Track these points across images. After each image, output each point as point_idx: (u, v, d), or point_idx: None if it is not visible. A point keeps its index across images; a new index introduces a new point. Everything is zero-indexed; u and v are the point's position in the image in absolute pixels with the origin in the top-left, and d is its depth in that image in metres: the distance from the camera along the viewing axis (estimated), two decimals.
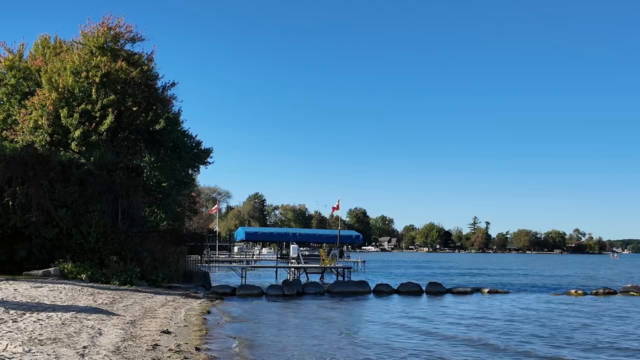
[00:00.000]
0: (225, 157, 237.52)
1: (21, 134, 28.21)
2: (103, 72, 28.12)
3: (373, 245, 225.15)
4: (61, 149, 28.48)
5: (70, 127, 27.43)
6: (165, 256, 27.09)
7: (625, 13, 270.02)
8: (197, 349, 12.61)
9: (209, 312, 19.96)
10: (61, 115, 27.33)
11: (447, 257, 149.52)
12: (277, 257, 44.78)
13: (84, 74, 28.04)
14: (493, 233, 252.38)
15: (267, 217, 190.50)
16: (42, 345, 10.61)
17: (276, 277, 40.49)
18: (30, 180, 25.19)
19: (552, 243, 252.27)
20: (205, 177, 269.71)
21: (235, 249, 66.92)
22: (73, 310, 15.14)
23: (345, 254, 57.18)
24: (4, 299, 16.07)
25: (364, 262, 63.89)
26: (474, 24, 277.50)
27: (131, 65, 29.53)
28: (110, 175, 26.67)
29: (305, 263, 39.62)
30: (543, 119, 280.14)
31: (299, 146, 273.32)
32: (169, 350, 11.88)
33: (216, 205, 65.37)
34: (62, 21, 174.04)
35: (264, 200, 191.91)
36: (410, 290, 31.69)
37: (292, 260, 41.10)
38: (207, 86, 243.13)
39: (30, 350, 10.05)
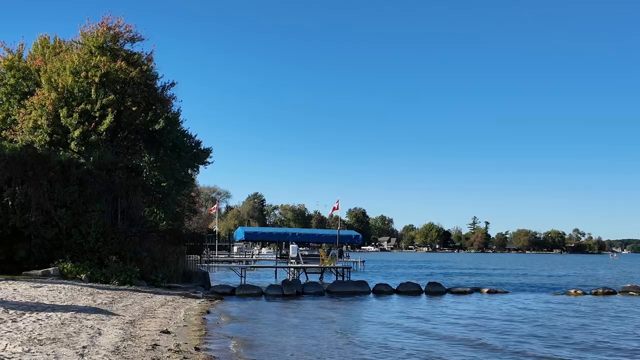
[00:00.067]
0: (225, 157, 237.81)
1: (20, 133, 28.20)
2: (102, 72, 28.12)
3: (372, 245, 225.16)
4: (60, 148, 28.47)
5: (69, 127, 27.43)
6: (165, 256, 27.09)
7: (625, 13, 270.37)
8: (197, 349, 12.62)
9: (208, 312, 19.97)
10: (60, 115, 27.33)
11: (446, 257, 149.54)
12: (277, 257, 44.79)
13: (83, 74, 28.04)
14: (492, 233, 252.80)
15: (267, 217, 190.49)
16: (41, 345, 10.62)
17: (275, 277, 40.51)
18: (30, 180, 25.19)
19: (552, 243, 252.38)
20: (204, 177, 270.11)
21: (235, 248, 66.88)
22: (72, 310, 15.14)
23: (344, 254, 57.11)
24: (4, 299, 16.08)
25: (363, 262, 63.92)
26: (474, 24, 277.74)
27: (131, 65, 29.52)
28: (109, 175, 26.67)
29: (304, 263, 39.65)
30: (543, 119, 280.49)
31: (298, 146, 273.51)
32: (169, 350, 11.89)
33: (215, 205, 65.32)
34: (61, 21, 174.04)
35: (264, 200, 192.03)
36: (409, 290, 31.70)
37: (292, 260, 41.12)
38: (206, 86, 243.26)
39: (29, 350, 10.06)
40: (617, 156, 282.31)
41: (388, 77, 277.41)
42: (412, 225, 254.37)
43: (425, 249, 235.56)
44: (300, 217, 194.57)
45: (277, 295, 28.09)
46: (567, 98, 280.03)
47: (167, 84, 32.50)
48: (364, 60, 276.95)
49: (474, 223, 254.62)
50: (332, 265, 36.10)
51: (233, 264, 41.51)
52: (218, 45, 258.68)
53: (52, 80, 27.93)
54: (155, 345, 12.17)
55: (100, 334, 12.57)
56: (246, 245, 69.52)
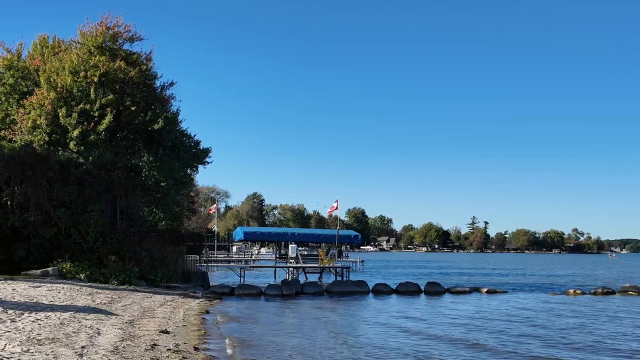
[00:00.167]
0: (224, 156, 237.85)
1: (19, 133, 28.18)
2: (101, 71, 28.11)
3: (372, 245, 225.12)
4: (60, 148, 28.45)
5: (68, 127, 27.41)
6: (164, 256, 27.09)
7: (625, 13, 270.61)
8: (196, 349, 12.62)
9: (207, 312, 19.97)
10: (59, 114, 27.31)
11: (445, 256, 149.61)
12: (276, 257, 44.73)
13: (82, 74, 28.03)
14: (492, 233, 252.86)
15: (266, 217, 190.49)
16: (40, 345, 10.61)
17: (275, 277, 40.51)
18: (29, 180, 25.17)
19: (551, 243, 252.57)
20: (203, 177, 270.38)
21: (234, 248, 66.86)
22: (71, 310, 15.14)
23: (343, 254, 57.12)
24: (3, 299, 16.07)
25: (362, 261, 63.90)
26: (474, 24, 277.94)
27: (130, 64, 29.51)
28: (108, 175, 26.66)
29: (303, 263, 39.63)
30: (542, 119, 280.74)
31: (297, 146, 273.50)
32: (168, 350, 11.89)
33: (215, 205, 65.31)
34: (60, 21, 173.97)
35: (263, 200, 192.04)
36: (408, 290, 31.70)
37: (291, 260, 41.10)
38: (205, 86, 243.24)
39: (28, 350, 10.05)
40: (616, 156, 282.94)
41: (387, 77, 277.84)
42: (411, 225, 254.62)
43: (424, 248, 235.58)
44: (300, 217, 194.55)
45: (277, 295, 28.09)
46: (567, 98, 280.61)
47: (166, 84, 32.54)
48: (363, 60, 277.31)
49: (473, 223, 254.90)
50: (331, 265, 36.11)
51: (232, 264, 41.53)
52: (217, 45, 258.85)
53: (51, 80, 27.91)
54: (155, 345, 12.17)
55: (99, 333, 12.56)
56: (245, 245, 69.48)
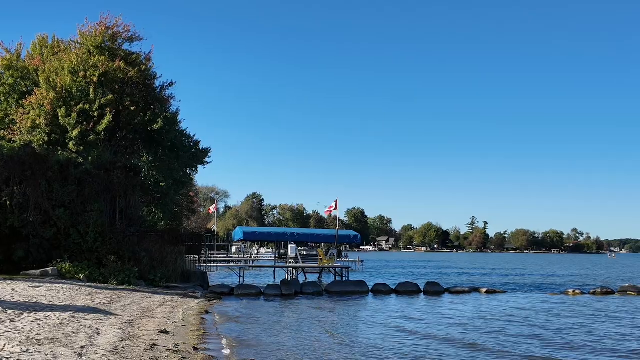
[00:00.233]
0: (223, 156, 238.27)
1: (19, 133, 28.17)
2: (101, 71, 28.10)
3: (371, 245, 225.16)
4: (59, 148, 28.45)
5: (68, 127, 27.41)
6: (164, 256, 27.08)
7: (625, 13, 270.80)
8: (195, 349, 12.63)
9: (207, 312, 19.97)
10: (59, 114, 27.31)
11: (445, 256, 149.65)
12: (275, 257, 44.73)
13: (81, 74, 28.02)
14: (491, 233, 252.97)
15: (265, 217, 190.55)
16: (39, 345, 10.61)
17: (274, 277, 40.50)
18: (28, 180, 25.16)
19: (550, 243, 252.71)
20: (203, 177, 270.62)
21: (234, 248, 66.89)
22: (71, 310, 15.14)
23: (343, 254, 57.15)
24: (2, 299, 16.07)
25: (362, 261, 63.92)
26: (474, 24, 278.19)
27: (129, 64, 29.51)
28: (108, 175, 26.65)
29: (303, 263, 39.62)
30: (541, 119, 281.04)
31: (297, 146, 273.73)
32: (167, 350, 11.89)
33: (214, 205, 65.33)
34: (60, 21, 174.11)
35: (262, 200, 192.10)
36: (408, 290, 31.71)
37: (290, 260, 41.09)
38: (205, 86, 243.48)
39: (28, 350, 10.05)
40: (616, 156, 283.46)
41: (387, 77, 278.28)
42: (411, 225, 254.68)
43: (423, 248, 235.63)
44: (299, 216, 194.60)
45: (276, 295, 28.09)
46: (566, 98, 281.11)
47: (166, 84, 32.54)
48: (363, 60, 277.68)
49: (472, 223, 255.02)
50: (330, 265, 36.11)
51: (232, 264, 41.55)
52: (217, 45, 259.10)
53: (51, 80, 27.90)
54: (154, 345, 12.17)
55: (98, 333, 12.57)
56: (245, 245, 69.54)
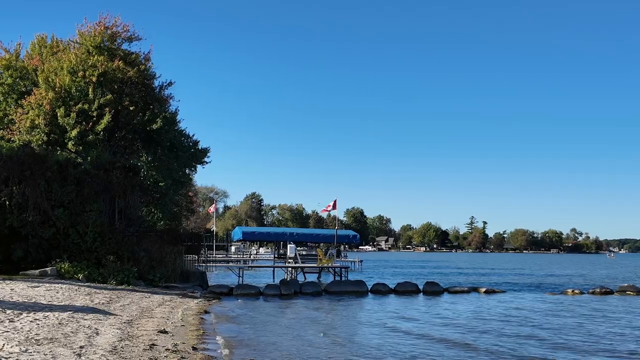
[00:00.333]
0: (223, 156, 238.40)
1: (18, 133, 28.16)
2: (100, 71, 28.09)
3: (370, 245, 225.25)
4: (58, 148, 28.44)
5: (67, 127, 27.39)
6: (163, 256, 27.07)
7: (625, 13, 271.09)
8: (194, 349, 12.62)
9: (206, 312, 19.96)
10: (58, 114, 27.29)
11: (444, 256, 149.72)
12: (275, 257, 44.73)
13: (80, 74, 28.01)
14: (490, 233, 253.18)
15: (265, 217, 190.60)
16: (38, 345, 10.61)
17: (273, 277, 40.47)
18: (27, 180, 25.15)
19: (549, 242, 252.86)
20: (202, 177, 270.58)
21: (233, 248, 66.88)
22: (70, 310, 15.13)
23: (342, 254, 57.17)
24: (1, 299, 16.06)
25: (361, 261, 63.95)
26: (474, 24, 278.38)
27: (128, 64, 29.51)
28: (107, 174, 26.64)
29: (302, 263, 39.64)
30: (541, 118, 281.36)
31: (296, 146, 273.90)
32: (166, 349, 11.89)
33: (213, 205, 65.32)
34: (59, 21, 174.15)
35: (262, 200, 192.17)
36: (407, 290, 31.71)
37: (290, 260, 41.11)
38: (204, 85, 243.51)
39: (27, 350, 10.05)
40: (615, 156, 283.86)
41: (387, 77, 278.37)
42: (410, 225, 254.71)
43: (423, 248, 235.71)
44: (298, 216, 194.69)
45: (275, 295, 28.08)
46: (566, 98, 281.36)
47: (165, 84, 32.54)
48: (362, 60, 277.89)
49: (471, 223, 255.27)
50: (329, 265, 36.12)
51: (231, 264, 41.51)
52: (216, 44, 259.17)
53: (50, 79, 27.89)
54: (153, 345, 12.17)
55: (97, 333, 12.56)
56: (244, 245, 69.58)
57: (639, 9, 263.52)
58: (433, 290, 32.01)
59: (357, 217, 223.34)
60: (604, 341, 16.77)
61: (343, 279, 34.48)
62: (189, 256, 31.63)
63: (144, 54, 31.03)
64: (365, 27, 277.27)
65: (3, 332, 11.38)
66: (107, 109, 27.82)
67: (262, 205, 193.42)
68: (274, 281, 35.46)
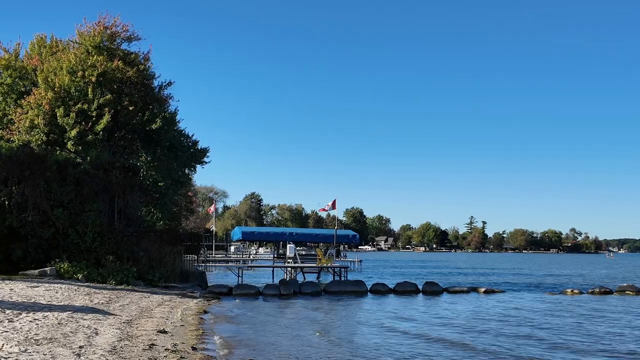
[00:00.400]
0: (222, 156, 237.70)
1: (17, 133, 28.16)
2: (99, 71, 28.09)
3: (370, 245, 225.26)
4: (57, 148, 28.44)
5: (66, 127, 27.39)
6: (162, 256, 27.07)
7: (625, 13, 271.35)
8: (194, 349, 12.63)
9: (205, 312, 19.97)
10: (57, 114, 27.29)
11: (443, 256, 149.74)
12: (274, 257, 44.70)
13: (80, 74, 28.01)
14: (489, 232, 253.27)
15: (264, 217, 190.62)
16: (38, 345, 10.61)
17: (273, 277, 40.49)
18: (27, 180, 25.15)
19: (549, 242, 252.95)
20: (201, 177, 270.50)
21: (232, 248, 66.91)
22: (69, 310, 15.13)
23: (342, 254, 57.17)
24: (0, 299, 16.06)
25: (360, 261, 63.97)
26: (474, 24, 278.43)
27: (127, 64, 29.51)
28: (106, 174, 26.64)
29: (301, 263, 39.63)
30: (540, 119, 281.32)
31: (296, 146, 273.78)
32: (166, 349, 11.89)
33: (213, 205, 65.31)
34: (58, 21, 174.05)
35: (261, 199, 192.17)
36: (406, 290, 31.72)
37: (289, 260, 41.10)
38: (204, 85, 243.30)
39: (26, 350, 10.05)
40: (614, 156, 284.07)
41: (386, 77, 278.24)
42: (410, 225, 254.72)
43: (422, 248, 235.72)
44: (298, 216, 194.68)
45: (275, 295, 28.09)
46: (565, 98, 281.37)
47: (164, 84, 32.55)
48: (362, 60, 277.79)
49: (471, 223, 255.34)
50: (329, 265, 36.12)
51: (230, 264, 41.48)
52: (216, 45, 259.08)
53: (49, 79, 27.88)
54: (152, 345, 12.17)
55: (97, 333, 12.56)
56: (243, 245, 69.59)
57: (639, 9, 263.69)
58: (432, 290, 32.01)
59: (357, 217, 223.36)
60: (603, 341, 16.77)
61: (342, 279, 34.49)
62: (188, 256, 31.62)
63: (143, 54, 31.09)
64: (365, 27, 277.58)
65: (2, 332, 11.38)
66: (106, 108, 27.82)
67: (262, 205, 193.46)
68: (273, 281, 35.46)
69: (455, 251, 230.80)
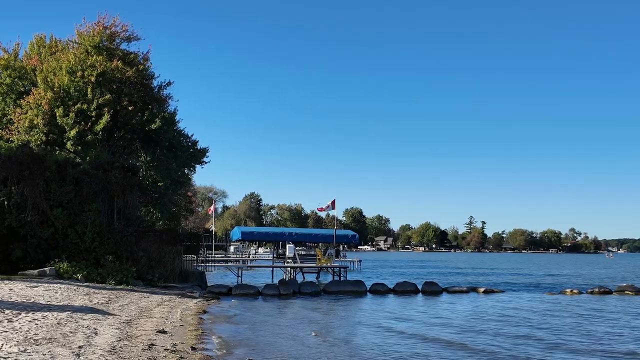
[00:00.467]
0: (222, 156, 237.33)
1: (16, 133, 28.15)
2: (99, 71, 28.08)
3: (369, 245, 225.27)
4: (57, 148, 28.43)
5: (65, 127, 27.38)
6: (161, 256, 27.07)
7: (625, 13, 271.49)
8: (193, 349, 12.63)
9: (204, 312, 19.97)
10: (57, 114, 27.28)
11: (443, 256, 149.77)
12: (273, 257, 44.73)
13: (79, 73, 28.00)
14: (489, 232, 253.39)
15: (264, 217, 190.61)
16: (37, 345, 10.61)
17: (272, 277, 40.49)
18: (26, 180, 25.13)
19: (548, 242, 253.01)
20: (201, 177, 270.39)
21: (232, 248, 66.94)
22: (69, 310, 15.13)
23: (341, 254, 57.18)
24: (0, 299, 16.05)
25: (360, 261, 64.01)
26: (473, 24, 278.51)
27: (127, 64, 29.49)
28: (106, 174, 26.63)
29: (301, 262, 39.65)
30: (540, 119, 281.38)
31: (296, 146, 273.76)
32: (165, 349, 11.89)
33: (212, 205, 65.32)
34: (57, 21, 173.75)
35: (260, 199, 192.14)
36: (406, 290, 31.73)
37: (288, 260, 41.11)
38: (203, 85, 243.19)
39: (25, 350, 10.05)
40: (614, 156, 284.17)
41: (386, 77, 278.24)
42: (409, 225, 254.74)
43: (421, 248, 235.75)
44: (297, 216, 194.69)
45: (274, 295, 28.09)
46: (565, 98, 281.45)
47: (164, 84, 32.51)
48: (362, 60, 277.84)
49: (470, 223, 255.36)
50: (328, 264, 36.13)
51: (230, 264, 41.49)
52: (216, 45, 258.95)
53: (48, 79, 27.87)
54: (152, 345, 12.17)
55: (96, 333, 12.56)
56: (243, 245, 69.64)
57: (639, 9, 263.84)
58: (432, 290, 32.02)
59: (356, 217, 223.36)
60: (602, 341, 16.78)
61: (342, 279, 34.51)
62: (187, 256, 31.62)
63: (142, 53, 31.05)
64: (365, 27, 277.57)
65: (2, 332, 11.38)
66: (105, 108, 27.81)
67: (261, 205, 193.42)
68: (272, 281, 35.45)
69: (455, 251, 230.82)
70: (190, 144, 32.96)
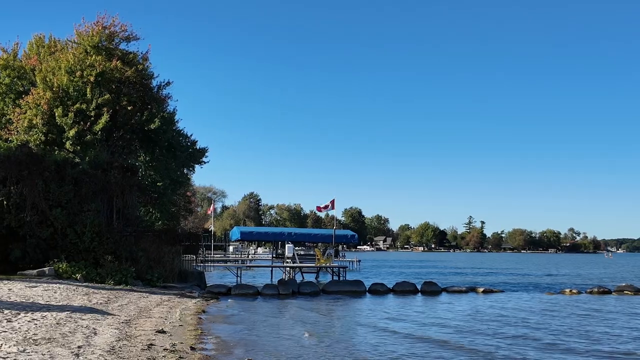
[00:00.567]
0: (221, 156, 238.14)
1: (15, 133, 28.14)
2: (98, 71, 28.06)
3: (368, 245, 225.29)
4: (56, 148, 28.42)
5: (64, 127, 27.37)
6: (161, 256, 27.07)
7: (625, 13, 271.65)
8: (192, 349, 12.63)
9: (204, 312, 19.98)
10: (56, 114, 27.27)
11: (442, 256, 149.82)
12: (273, 257, 44.72)
13: (78, 73, 27.98)
14: (488, 232, 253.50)
15: (263, 217, 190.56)
16: (36, 345, 10.61)
17: (271, 277, 40.47)
18: (25, 180, 25.12)
19: (547, 242, 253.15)
20: (200, 177, 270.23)
21: (231, 248, 66.96)
22: (68, 310, 15.13)
23: (340, 254, 57.17)
24: None
25: (359, 261, 64.00)
26: (474, 24, 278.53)
27: (126, 64, 29.48)
28: (105, 174, 26.63)
29: (300, 262, 39.65)
30: (539, 118, 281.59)
31: (295, 146, 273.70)
32: (164, 349, 11.90)
33: (211, 205, 65.32)
34: (57, 21, 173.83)
35: (260, 199, 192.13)
36: (405, 290, 31.75)
37: (288, 260, 41.10)
38: (203, 86, 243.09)
39: (24, 350, 10.05)
40: (613, 156, 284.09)
41: (386, 77, 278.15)
42: (408, 225, 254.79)
43: (421, 248, 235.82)
44: (296, 216, 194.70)
45: (273, 294, 28.10)
46: (564, 98, 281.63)
47: (163, 84, 32.53)
48: (362, 61, 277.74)
49: (469, 222, 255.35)
50: (328, 264, 36.14)
51: (229, 264, 41.51)
52: (215, 45, 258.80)
53: (47, 79, 27.85)
54: (151, 344, 12.18)
55: (95, 333, 12.56)
56: (242, 245, 69.58)
57: (639, 9, 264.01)
58: (431, 290, 32.03)
59: (355, 217, 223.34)
60: (601, 341, 16.80)
61: (341, 278, 34.52)
62: (187, 256, 31.62)
63: (142, 53, 31.05)
64: (365, 27, 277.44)
65: (1, 332, 11.38)
66: (105, 108, 27.80)
67: (260, 205, 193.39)
68: (272, 281, 35.45)
69: (454, 251, 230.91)
70: (189, 143, 32.97)
